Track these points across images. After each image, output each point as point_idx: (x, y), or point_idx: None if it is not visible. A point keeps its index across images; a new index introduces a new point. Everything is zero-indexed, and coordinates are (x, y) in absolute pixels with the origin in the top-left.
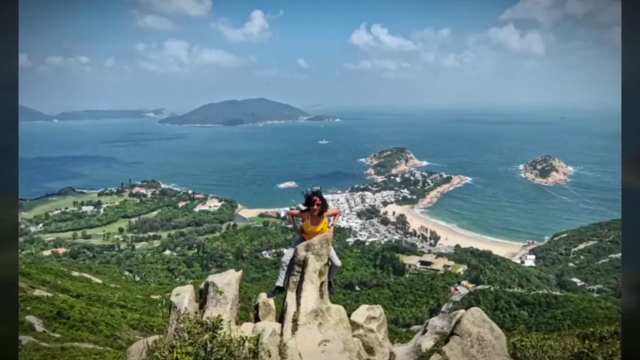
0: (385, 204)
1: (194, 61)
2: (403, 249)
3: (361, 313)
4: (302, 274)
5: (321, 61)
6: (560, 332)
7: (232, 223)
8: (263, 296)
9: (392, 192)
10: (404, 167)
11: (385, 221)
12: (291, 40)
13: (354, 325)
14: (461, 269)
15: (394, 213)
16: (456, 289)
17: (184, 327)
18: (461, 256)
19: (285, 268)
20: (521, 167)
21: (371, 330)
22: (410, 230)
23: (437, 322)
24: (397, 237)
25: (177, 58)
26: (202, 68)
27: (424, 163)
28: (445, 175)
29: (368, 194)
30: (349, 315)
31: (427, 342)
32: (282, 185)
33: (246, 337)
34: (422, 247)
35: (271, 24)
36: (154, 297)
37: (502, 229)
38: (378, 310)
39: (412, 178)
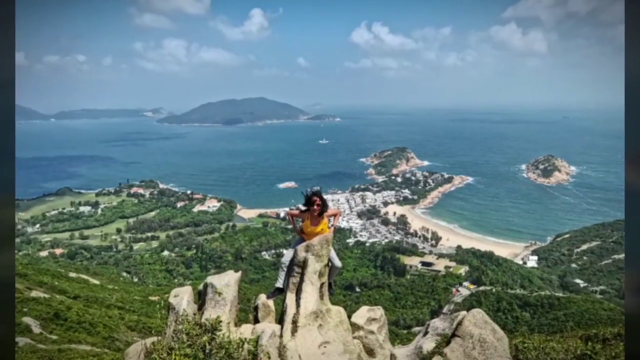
0: (385, 204)
1: (192, 60)
2: (404, 250)
3: (362, 314)
4: (302, 275)
5: (321, 60)
6: (563, 333)
7: (231, 224)
8: (262, 297)
9: (393, 192)
10: (404, 166)
11: (385, 222)
12: (291, 38)
13: (355, 327)
14: (463, 270)
15: (394, 213)
16: (458, 290)
17: (182, 329)
18: (462, 257)
19: (285, 269)
20: (523, 167)
21: (372, 332)
22: (411, 230)
23: (438, 324)
24: (397, 237)
25: (176, 57)
26: (201, 67)
27: (425, 163)
28: (446, 175)
29: (369, 194)
30: (349, 317)
31: (428, 344)
32: (282, 186)
33: (245, 339)
34: (424, 247)
35: (271, 22)
36: (152, 298)
37: (504, 229)
38: (379, 312)
39: (413, 178)
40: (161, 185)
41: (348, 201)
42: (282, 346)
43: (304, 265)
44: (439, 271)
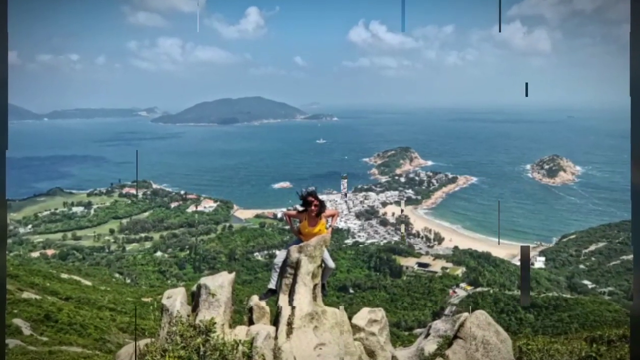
0: (385, 204)
1: (187, 59)
2: (400, 251)
3: (363, 316)
4: (295, 276)
5: (318, 59)
6: (568, 335)
7: (227, 224)
8: (255, 299)
9: (397, 192)
10: (408, 166)
11: (385, 222)
12: (287, 37)
13: (355, 329)
14: (460, 270)
15: (393, 214)
16: (455, 292)
17: (176, 331)
18: (460, 258)
19: (278, 270)
20: (528, 167)
21: (373, 334)
22: (414, 231)
23: (440, 325)
24: (397, 238)
25: (170, 55)
26: (196, 66)
27: (429, 163)
28: (450, 175)
29: (372, 194)
30: (350, 318)
31: (430, 346)
32: (277, 186)
33: (240, 341)
34: (420, 248)
35: (267, 20)
36: (145, 299)
37: (508, 230)
38: (380, 313)
39: (416, 178)
40: (155, 186)
41: (346, 202)
42: (277, 348)
43: (296, 266)
44: (436, 272)
